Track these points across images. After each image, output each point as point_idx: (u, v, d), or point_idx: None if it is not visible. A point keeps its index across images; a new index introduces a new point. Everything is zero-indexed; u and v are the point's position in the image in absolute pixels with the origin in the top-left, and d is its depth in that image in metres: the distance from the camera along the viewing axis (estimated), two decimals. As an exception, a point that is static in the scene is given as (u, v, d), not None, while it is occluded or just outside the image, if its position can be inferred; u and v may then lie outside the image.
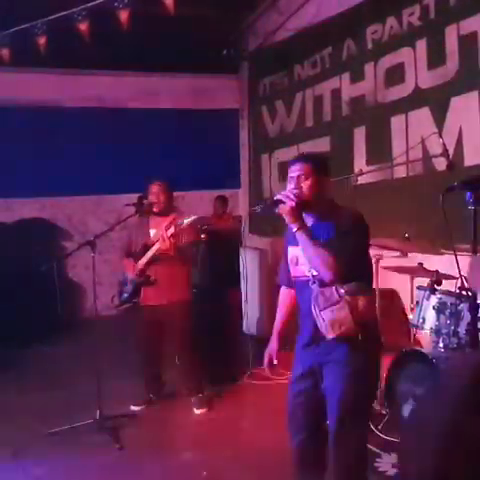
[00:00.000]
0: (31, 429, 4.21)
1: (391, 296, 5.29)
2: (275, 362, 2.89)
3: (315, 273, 2.60)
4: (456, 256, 2.30)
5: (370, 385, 2.76)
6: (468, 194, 2.14)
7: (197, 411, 4.59)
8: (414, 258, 4.29)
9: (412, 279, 4.21)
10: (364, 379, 2.65)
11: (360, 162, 6.09)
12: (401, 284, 4.55)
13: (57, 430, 4.12)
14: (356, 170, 5.80)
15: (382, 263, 4.25)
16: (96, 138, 8.20)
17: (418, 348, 3.81)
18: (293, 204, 2.55)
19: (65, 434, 4.10)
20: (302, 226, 2.57)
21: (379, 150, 5.86)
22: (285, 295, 2.97)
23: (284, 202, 2.57)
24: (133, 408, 4.67)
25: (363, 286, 2.60)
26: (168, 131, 8.52)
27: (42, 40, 5.58)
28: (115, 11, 5.30)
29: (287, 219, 2.59)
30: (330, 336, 2.56)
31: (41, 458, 3.83)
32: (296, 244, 2.66)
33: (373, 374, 2.77)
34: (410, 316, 3.88)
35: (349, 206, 2.76)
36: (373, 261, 4.21)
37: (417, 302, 3.82)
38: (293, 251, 2.76)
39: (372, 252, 4.43)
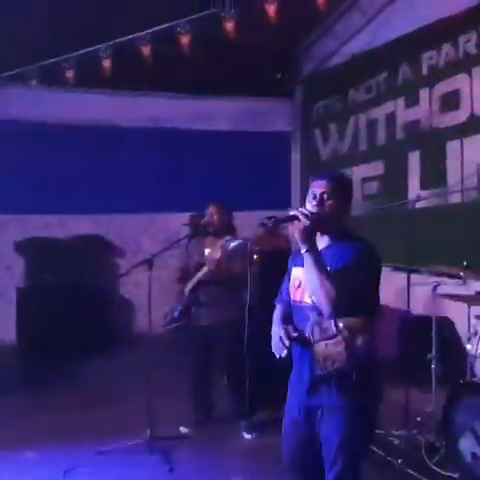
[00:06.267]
0: (79, 447, 4.17)
1: (445, 325, 5.15)
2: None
3: (316, 300, 2.34)
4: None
5: (360, 432, 2.43)
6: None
7: (247, 436, 4.50)
8: (472, 286, 4.20)
9: (469, 308, 4.10)
10: (354, 426, 2.37)
11: (415, 186, 6.04)
12: (457, 313, 4.44)
13: (106, 449, 4.08)
14: (411, 194, 5.76)
15: (438, 290, 4.17)
16: (151, 158, 8.37)
17: (476, 379, 3.70)
18: (308, 223, 2.30)
19: (114, 454, 4.05)
20: (312, 248, 2.31)
21: (434, 175, 5.82)
22: (280, 309, 2.69)
23: (299, 219, 2.33)
24: (181, 429, 4.59)
25: (365, 324, 2.35)
26: (221, 152, 8.57)
27: (107, 63, 5.82)
28: (177, 36, 5.50)
29: (298, 238, 2.32)
30: (320, 372, 2.35)
31: (91, 479, 3.82)
32: (301, 265, 2.41)
33: (365, 421, 2.44)
34: (467, 346, 3.77)
35: (363, 237, 2.48)
36: (430, 288, 4.18)
37: (475, 332, 3.71)
38: (296, 273, 2.52)
39: (428, 279, 4.37)
